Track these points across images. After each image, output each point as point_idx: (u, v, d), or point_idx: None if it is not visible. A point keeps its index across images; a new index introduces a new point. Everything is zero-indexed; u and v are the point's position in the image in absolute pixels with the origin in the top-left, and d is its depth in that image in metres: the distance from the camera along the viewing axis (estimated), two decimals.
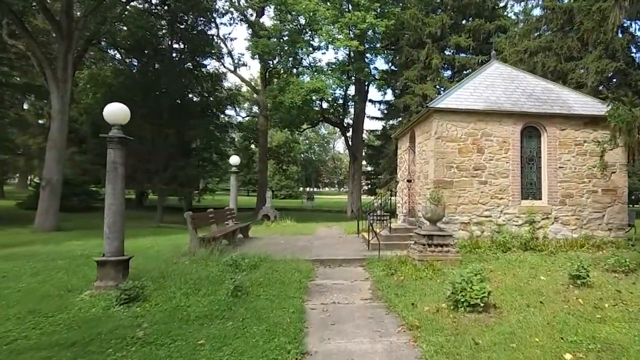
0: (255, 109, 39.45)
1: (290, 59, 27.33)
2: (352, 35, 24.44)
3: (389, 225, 11.16)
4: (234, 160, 15.58)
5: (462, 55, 24.37)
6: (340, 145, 78.76)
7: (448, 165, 9.92)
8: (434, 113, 9.97)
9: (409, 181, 11.66)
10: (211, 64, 33.90)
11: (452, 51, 25.45)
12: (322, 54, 54.90)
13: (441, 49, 25.61)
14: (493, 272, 7.76)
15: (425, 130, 10.68)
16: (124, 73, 30.99)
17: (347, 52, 27.70)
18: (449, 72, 26.44)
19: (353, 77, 27.35)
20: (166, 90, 30.63)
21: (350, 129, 30.06)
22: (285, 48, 26.68)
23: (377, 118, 30.94)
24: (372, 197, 35.84)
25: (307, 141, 64.19)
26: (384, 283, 7.43)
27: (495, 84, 10.97)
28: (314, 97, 24.87)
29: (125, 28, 28.75)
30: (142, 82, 30.04)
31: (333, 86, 25.50)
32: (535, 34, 21.80)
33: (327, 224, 20.84)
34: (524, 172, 10.29)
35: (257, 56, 29.00)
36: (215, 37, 33.64)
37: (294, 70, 27.44)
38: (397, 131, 13.51)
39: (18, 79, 31.98)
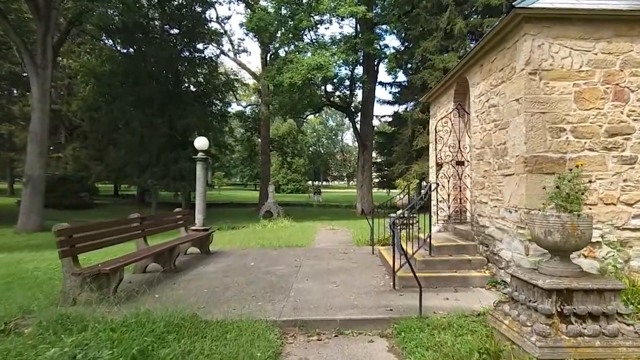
0: (256, 99, 34.19)
1: (290, 35, 21.92)
2: (357, 1, 19.00)
3: (427, 240, 5.82)
4: (200, 143, 10.37)
5: (493, 18, 18.63)
6: (348, 137, 72.84)
7: (554, 126, 4.53)
8: (525, 23, 4.57)
9: (458, 164, 6.32)
10: (209, 49, 28.68)
11: (478, 15, 19.74)
12: (326, 28, 49.42)
13: (465, 15, 19.94)
14: None
15: (498, 66, 5.27)
16: (112, 59, 26.07)
17: (354, 25, 22.26)
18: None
19: (361, 53, 21.82)
20: (157, 77, 25.68)
21: (359, 114, 24.56)
22: (283, 22, 21.33)
23: (388, 102, 25.35)
24: (386, 191, 30.28)
25: (314, 134, 58.59)
26: None
27: None
28: (316, 75, 19.47)
29: (106, 7, 23.66)
30: (131, 68, 25.09)
31: (339, 62, 20.03)
32: None
33: (332, 224, 15.53)
34: None
35: (252, 33, 23.72)
36: (212, 20, 28.55)
37: (292, 47, 22.05)
38: (431, 90, 8.07)
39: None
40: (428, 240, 5.80)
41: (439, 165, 6.26)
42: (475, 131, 5.94)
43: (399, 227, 5.19)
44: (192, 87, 28.19)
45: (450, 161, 6.36)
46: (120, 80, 25.09)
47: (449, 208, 6.43)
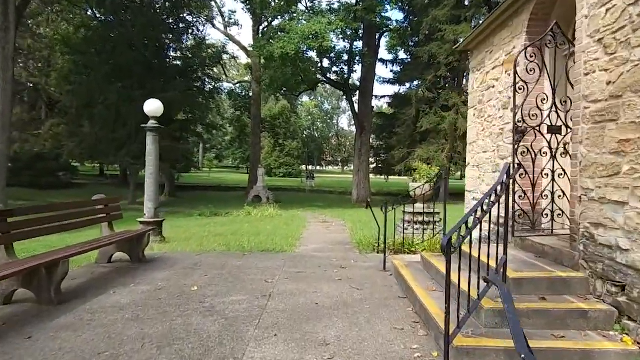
0: (247, 78, 30.81)
1: (283, 2, 18.63)
2: None
3: (500, 268, 2.95)
4: (151, 107, 7.41)
5: None
6: (344, 121, 69.07)
7: None
8: None
9: (553, 131, 3.42)
10: (199, 21, 25.11)
11: None
12: None
13: None
14: None
15: None
16: (86, 25, 22.61)
17: None
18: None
19: (361, 24, 18.60)
20: (137, 45, 22.26)
21: (357, 92, 21.45)
22: None
23: (388, 81, 22.27)
24: (384, 178, 27.25)
25: (309, 117, 55.02)
26: None
27: None
28: (311, 45, 16.35)
29: None
30: (107, 35, 21.70)
31: (336, 31, 16.91)
32: None
33: (324, 213, 12.73)
34: None
35: (242, 4, 20.37)
36: None
37: (286, 17, 18.81)
38: (480, 26, 5.03)
39: None
40: (501, 269, 2.95)
41: (521, 133, 3.34)
42: (592, 70, 3.03)
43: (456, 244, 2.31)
44: (177, 60, 24.83)
45: (537, 127, 3.43)
46: (96, 49, 21.71)
47: (533, 207, 3.56)
